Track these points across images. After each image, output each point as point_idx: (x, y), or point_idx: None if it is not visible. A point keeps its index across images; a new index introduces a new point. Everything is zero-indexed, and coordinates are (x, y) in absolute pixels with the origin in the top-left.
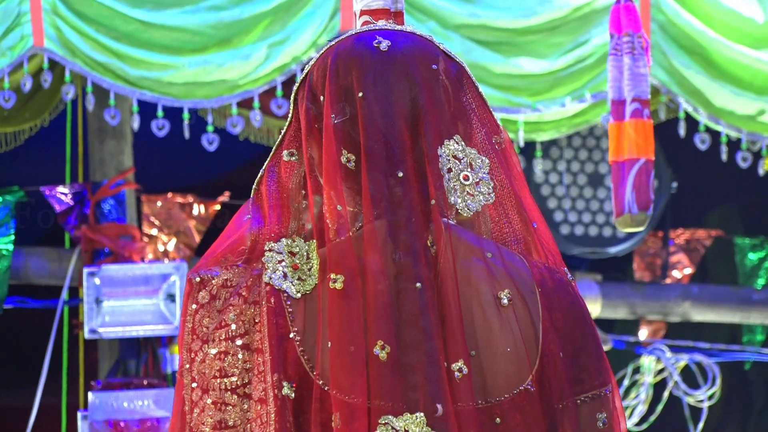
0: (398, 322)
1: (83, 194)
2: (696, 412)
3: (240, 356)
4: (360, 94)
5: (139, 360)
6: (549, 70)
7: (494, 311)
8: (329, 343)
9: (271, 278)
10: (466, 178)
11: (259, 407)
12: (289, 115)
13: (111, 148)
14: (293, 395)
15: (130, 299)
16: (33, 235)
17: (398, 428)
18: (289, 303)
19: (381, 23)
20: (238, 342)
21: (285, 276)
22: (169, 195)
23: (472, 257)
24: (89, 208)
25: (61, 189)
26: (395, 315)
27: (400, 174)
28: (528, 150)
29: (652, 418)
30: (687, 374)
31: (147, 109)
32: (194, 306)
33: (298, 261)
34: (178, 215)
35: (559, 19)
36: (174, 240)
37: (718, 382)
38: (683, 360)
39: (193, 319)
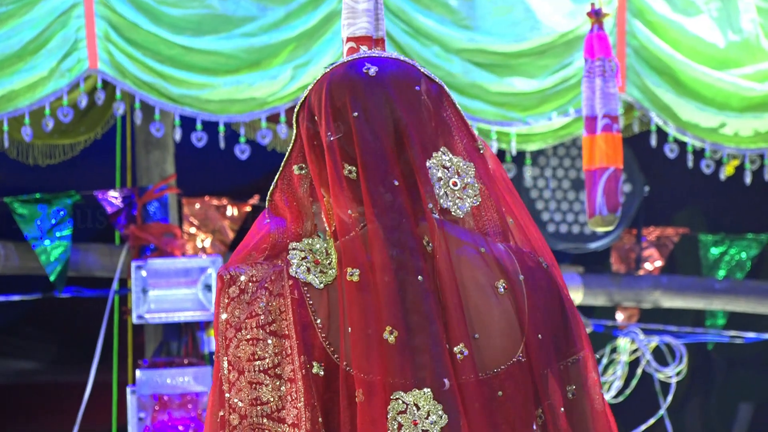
0: (404, 310)
1: (131, 198)
2: (665, 386)
3: (270, 341)
4: (354, 114)
5: (180, 342)
6: (538, 88)
7: (493, 298)
8: (349, 329)
9: (296, 272)
10: (455, 184)
11: (289, 385)
12: (293, 134)
13: (156, 157)
14: (322, 373)
15: (172, 289)
16: (88, 233)
17: (408, 402)
18: (309, 295)
19: (373, 51)
20: (267, 329)
21: (308, 270)
22: (206, 198)
23: (467, 250)
24: (136, 210)
25: (112, 193)
26: (401, 303)
27: (396, 182)
28: (519, 158)
29: (627, 391)
30: (657, 354)
31: (187, 123)
32: (226, 300)
33: (318, 257)
34: (214, 216)
35: (546, 44)
36: (210, 237)
37: (685, 360)
38: (654, 341)
39: (226, 310)
